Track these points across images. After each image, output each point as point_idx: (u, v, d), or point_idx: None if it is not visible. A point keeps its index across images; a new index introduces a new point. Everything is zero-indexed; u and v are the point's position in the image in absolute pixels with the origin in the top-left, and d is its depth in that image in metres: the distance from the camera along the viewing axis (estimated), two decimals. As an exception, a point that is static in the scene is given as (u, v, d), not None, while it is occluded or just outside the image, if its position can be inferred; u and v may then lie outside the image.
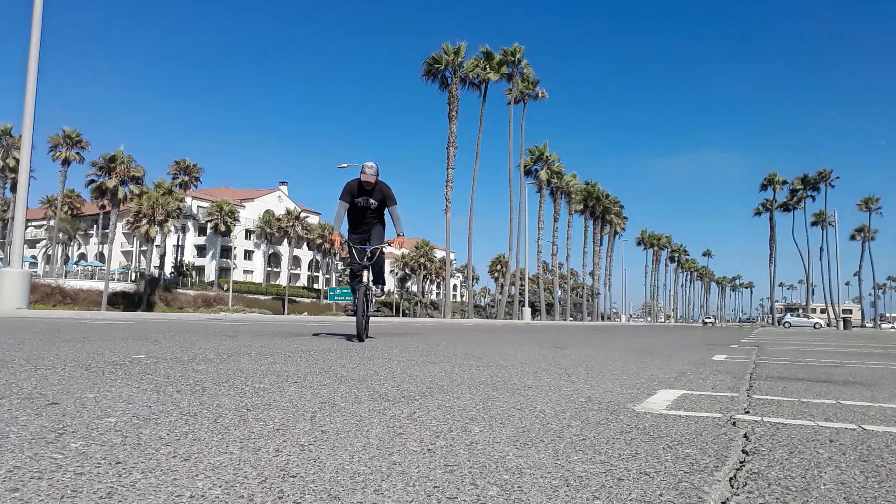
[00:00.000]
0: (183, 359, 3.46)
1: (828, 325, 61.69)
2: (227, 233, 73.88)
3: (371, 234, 6.63)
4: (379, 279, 6.85)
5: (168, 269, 72.37)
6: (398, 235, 6.49)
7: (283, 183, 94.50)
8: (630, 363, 4.40)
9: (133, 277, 67.95)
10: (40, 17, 14.45)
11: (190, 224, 79.92)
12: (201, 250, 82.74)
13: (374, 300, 6.77)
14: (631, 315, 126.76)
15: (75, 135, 58.42)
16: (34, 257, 75.92)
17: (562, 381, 3.05)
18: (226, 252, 79.82)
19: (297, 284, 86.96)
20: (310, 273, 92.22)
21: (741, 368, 4.29)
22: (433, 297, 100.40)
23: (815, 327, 50.48)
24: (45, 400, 1.93)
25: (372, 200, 6.48)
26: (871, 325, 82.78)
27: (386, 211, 6.67)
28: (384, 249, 6.64)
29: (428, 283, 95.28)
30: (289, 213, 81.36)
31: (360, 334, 6.14)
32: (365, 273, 6.49)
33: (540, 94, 50.49)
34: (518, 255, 50.65)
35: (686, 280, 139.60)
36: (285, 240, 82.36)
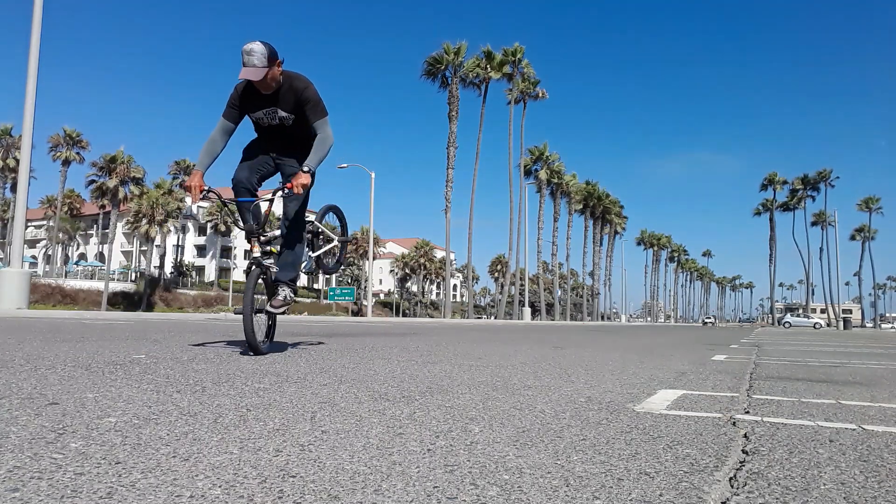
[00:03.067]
0: (183, 359, 3.46)
1: (828, 325, 61.69)
2: (227, 233, 73.87)
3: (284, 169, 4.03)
4: (285, 262, 4.09)
5: (168, 269, 72.37)
6: (301, 173, 3.73)
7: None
8: (630, 363, 4.40)
9: (133, 277, 67.96)
10: (40, 17, 14.45)
11: (190, 224, 79.92)
12: (201, 250, 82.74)
13: (281, 290, 4.08)
14: (631, 315, 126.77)
15: (75, 135, 58.43)
16: (34, 257, 75.92)
17: (562, 381, 3.05)
18: (226, 252, 79.84)
19: (297, 284, 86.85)
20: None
21: (741, 368, 4.28)
22: (433, 297, 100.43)
23: (815, 327, 50.49)
24: (45, 400, 1.93)
25: (282, 112, 3.87)
26: (871, 325, 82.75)
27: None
28: (273, 198, 3.90)
29: (428, 283, 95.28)
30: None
31: (254, 343, 3.73)
32: (254, 244, 3.88)
33: (540, 94, 50.53)
34: (518, 255, 50.63)
35: (686, 280, 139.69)
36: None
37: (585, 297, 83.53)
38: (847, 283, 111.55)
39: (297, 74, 3.90)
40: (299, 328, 9.95)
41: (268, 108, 3.87)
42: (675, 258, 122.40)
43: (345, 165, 39.31)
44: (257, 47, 3.64)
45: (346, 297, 48.30)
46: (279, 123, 3.92)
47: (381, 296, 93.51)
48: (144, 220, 57.40)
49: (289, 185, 3.78)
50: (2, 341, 4.29)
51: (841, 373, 4.22)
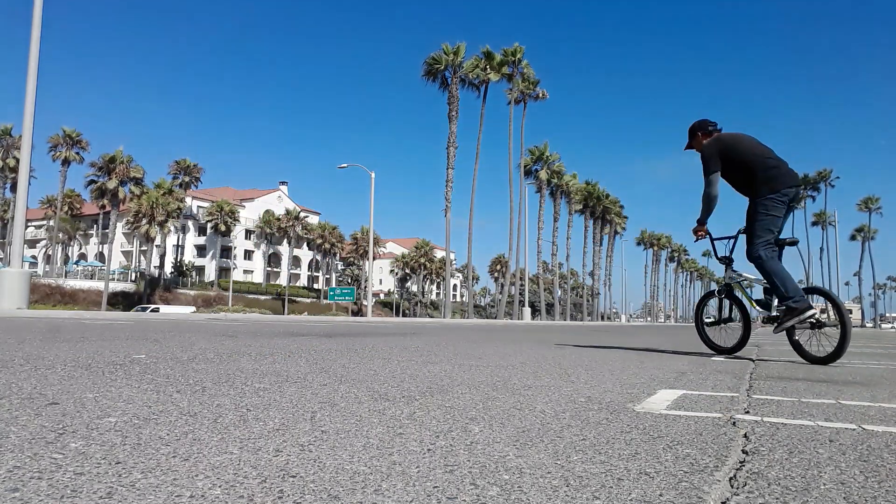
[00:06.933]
0: (183, 359, 3.46)
1: (828, 325, 61.50)
2: (227, 233, 73.89)
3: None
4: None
5: (168, 269, 72.36)
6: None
7: (283, 183, 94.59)
8: (630, 363, 4.40)
9: (133, 277, 67.96)
10: (40, 17, 14.46)
11: (190, 224, 79.91)
12: (201, 250, 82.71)
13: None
14: (631, 315, 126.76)
15: (75, 135, 58.44)
16: (34, 257, 75.91)
17: (562, 381, 3.05)
18: (226, 252, 79.82)
19: (297, 284, 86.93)
20: (310, 273, 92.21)
21: (741, 368, 4.28)
22: (433, 297, 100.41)
23: (815, 327, 50.34)
24: (45, 400, 1.93)
25: None
26: (871, 325, 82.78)
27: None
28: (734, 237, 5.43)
29: (428, 283, 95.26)
30: (289, 213, 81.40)
31: (710, 345, 5.63)
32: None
33: (540, 95, 50.54)
34: (518, 255, 50.62)
35: (686, 280, 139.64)
36: (285, 240, 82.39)
37: (585, 297, 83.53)
38: (847, 283, 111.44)
39: (716, 139, 5.06)
40: (299, 328, 9.95)
41: None
42: (675, 258, 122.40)
43: (345, 165, 39.32)
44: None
45: (346, 298, 48.32)
46: None
47: (381, 296, 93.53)
48: (144, 220, 57.42)
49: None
50: (2, 341, 4.29)
51: (841, 373, 4.22)
